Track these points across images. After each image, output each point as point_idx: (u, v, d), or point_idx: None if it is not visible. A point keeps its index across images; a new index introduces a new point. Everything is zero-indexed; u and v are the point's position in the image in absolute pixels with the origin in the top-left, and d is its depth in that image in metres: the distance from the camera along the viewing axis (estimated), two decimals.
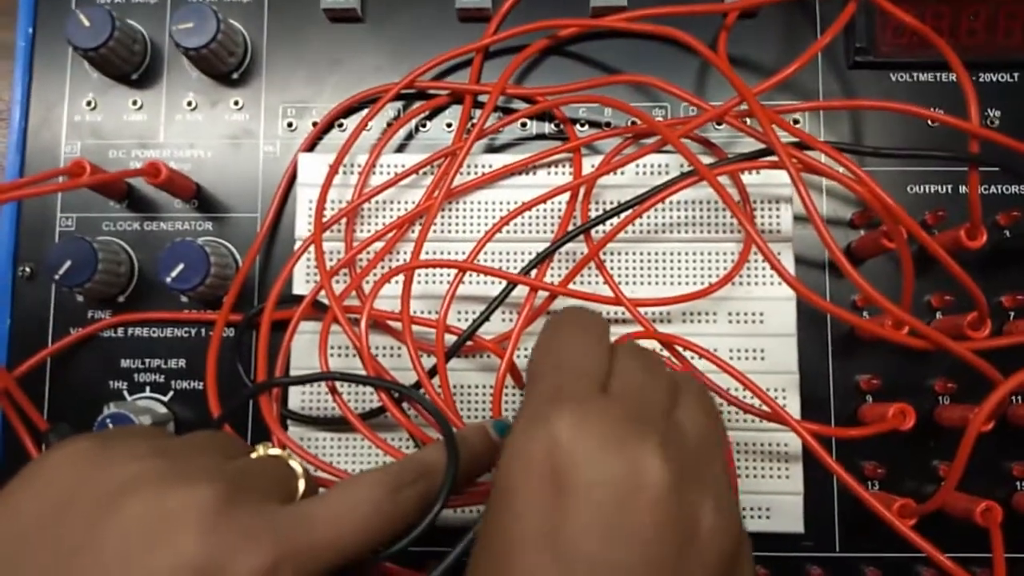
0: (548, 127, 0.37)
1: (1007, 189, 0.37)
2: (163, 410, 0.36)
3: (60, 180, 0.34)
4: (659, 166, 0.35)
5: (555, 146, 0.35)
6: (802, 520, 0.34)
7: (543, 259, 0.33)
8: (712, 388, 0.32)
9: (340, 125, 0.38)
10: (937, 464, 0.35)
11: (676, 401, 0.22)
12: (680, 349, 0.32)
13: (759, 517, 0.34)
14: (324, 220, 0.35)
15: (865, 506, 0.34)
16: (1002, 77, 0.37)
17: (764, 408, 0.31)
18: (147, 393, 0.36)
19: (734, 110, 0.32)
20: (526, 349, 0.34)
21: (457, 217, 0.36)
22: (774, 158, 0.31)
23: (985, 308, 0.32)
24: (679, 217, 0.35)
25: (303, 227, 0.36)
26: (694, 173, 0.31)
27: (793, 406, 0.34)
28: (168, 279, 0.34)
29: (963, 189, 0.36)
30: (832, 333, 0.36)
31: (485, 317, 0.32)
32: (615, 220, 0.33)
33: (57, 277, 0.34)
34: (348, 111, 0.38)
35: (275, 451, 0.24)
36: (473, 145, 0.35)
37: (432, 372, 0.32)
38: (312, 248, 0.35)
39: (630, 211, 0.32)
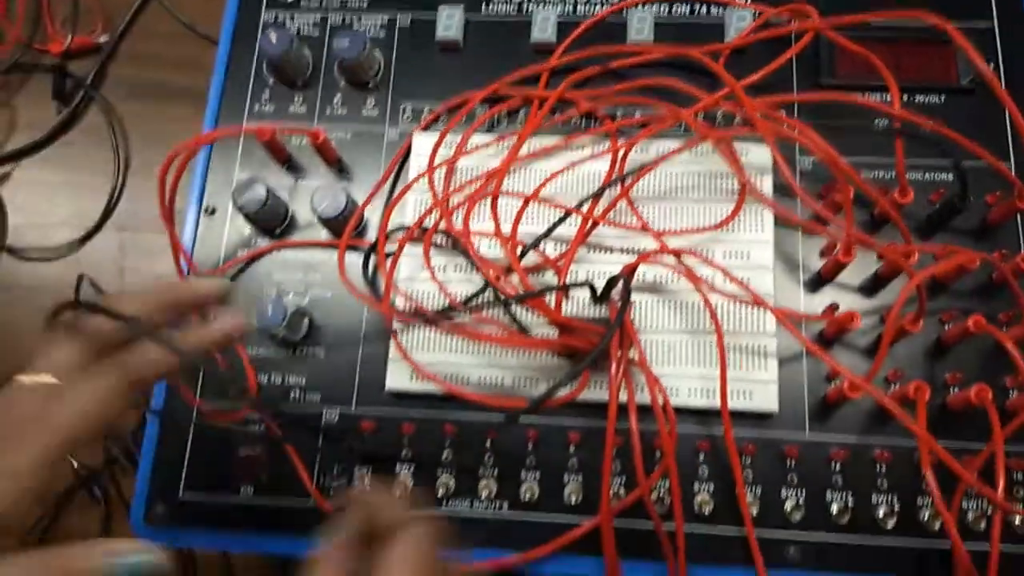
0: (594, 123, 0.51)
1: (937, 176, 0.49)
2: (304, 304, 0.49)
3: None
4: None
5: (599, 133, 0.49)
6: (776, 402, 0.44)
7: (594, 196, 0.46)
8: (711, 288, 0.44)
9: (444, 120, 0.52)
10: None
11: None
12: (684, 258, 0.44)
13: (743, 398, 0.45)
14: (428, 189, 0.49)
15: (828, 399, 0.45)
16: (932, 99, 0.50)
17: (747, 297, 0.43)
18: (291, 296, 0.49)
19: (726, 100, 0.45)
20: (575, 267, 0.47)
21: (526, 180, 0.49)
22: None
23: (909, 238, 0.43)
24: (687, 182, 0.48)
25: (415, 185, 0.50)
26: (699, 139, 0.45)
27: (770, 323, 0.46)
28: (318, 209, 0.47)
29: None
30: (803, 275, 0.48)
31: (546, 234, 0.45)
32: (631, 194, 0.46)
33: (239, 203, 0.48)
34: (450, 110, 0.52)
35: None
36: (535, 129, 0.49)
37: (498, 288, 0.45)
38: (419, 200, 0.49)
39: (652, 163, 0.45)
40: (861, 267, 0.47)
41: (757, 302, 0.42)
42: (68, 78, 0.71)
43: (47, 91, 0.71)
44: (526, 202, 0.46)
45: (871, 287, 0.47)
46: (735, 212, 0.47)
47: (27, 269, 0.68)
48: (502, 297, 0.41)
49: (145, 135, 0.72)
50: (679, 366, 0.45)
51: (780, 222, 0.48)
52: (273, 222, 0.50)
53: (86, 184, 0.70)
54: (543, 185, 0.47)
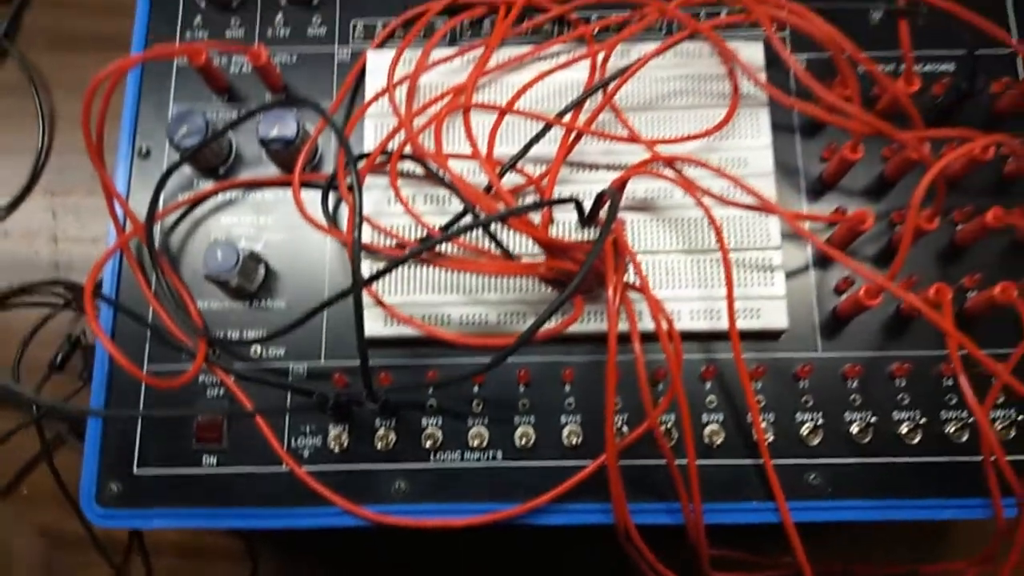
0: (567, 29, 0.46)
1: (938, 67, 0.45)
2: (258, 249, 0.43)
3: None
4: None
5: (573, 38, 0.44)
6: (786, 319, 0.41)
7: (575, 106, 0.41)
8: (711, 196, 0.39)
9: (400, 35, 0.47)
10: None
11: None
12: (679, 165, 0.40)
13: (751, 317, 0.41)
14: (387, 112, 0.43)
15: (839, 313, 0.41)
16: None
17: (754, 203, 0.39)
18: (243, 243, 0.44)
19: None
20: (560, 188, 0.42)
21: (496, 95, 0.44)
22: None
23: (922, 126, 0.39)
24: (674, 87, 0.44)
25: (372, 108, 0.44)
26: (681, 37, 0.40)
27: (775, 234, 0.42)
28: (267, 135, 0.42)
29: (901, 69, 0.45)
30: (804, 181, 0.44)
31: (527, 148, 0.40)
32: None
33: (175, 138, 0.42)
34: (406, 23, 0.47)
35: None
36: (502, 39, 0.44)
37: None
38: (379, 125, 0.43)
39: (638, 62, 0.41)
40: (864, 170, 0.44)
41: (766, 207, 0.38)
42: None
43: None
44: (502, 114, 0.41)
45: (876, 190, 0.44)
46: (730, 114, 0.43)
47: None
48: (483, 217, 0.36)
49: (70, 89, 0.66)
50: (678, 288, 0.41)
51: (777, 126, 0.44)
52: (215, 160, 0.45)
53: (9, 146, 0.64)
54: (519, 95, 0.43)
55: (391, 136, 0.42)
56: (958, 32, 0.40)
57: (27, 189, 0.63)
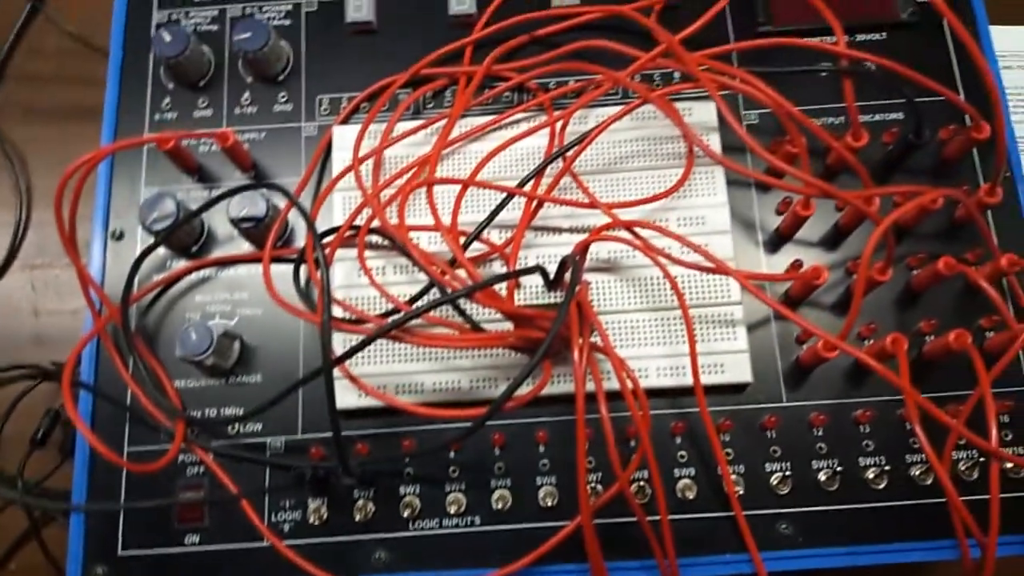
0: (527, 97, 0.48)
1: (887, 116, 0.47)
2: (232, 325, 0.44)
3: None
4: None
5: (533, 106, 0.46)
6: (750, 372, 0.42)
7: (535, 174, 0.42)
8: (669, 258, 0.41)
9: (365, 109, 0.48)
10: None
11: None
12: (638, 229, 0.41)
13: (715, 372, 0.42)
14: (355, 186, 0.44)
15: (801, 363, 0.42)
16: (874, 36, 0.48)
17: (708, 264, 0.40)
18: (217, 320, 0.45)
19: (663, 57, 0.42)
20: (525, 252, 0.43)
21: (460, 165, 0.45)
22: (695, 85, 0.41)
23: (869, 182, 0.41)
24: (631, 150, 0.45)
25: (341, 182, 0.46)
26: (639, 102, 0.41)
27: (735, 289, 0.43)
28: (237, 215, 0.43)
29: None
30: (761, 235, 0.45)
31: (490, 220, 0.42)
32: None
33: (147, 223, 0.43)
34: (370, 97, 0.48)
35: None
36: (464, 109, 0.45)
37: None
38: (347, 198, 0.45)
39: (594, 130, 0.42)
40: (820, 220, 0.45)
41: (719, 268, 0.39)
42: None
43: None
44: (464, 187, 0.42)
45: (832, 240, 0.45)
46: (685, 175, 0.44)
47: None
48: (448, 292, 0.37)
49: (47, 162, 0.67)
50: (644, 346, 0.42)
51: (733, 182, 0.45)
52: (187, 240, 0.46)
53: None
54: (480, 167, 0.44)
55: (358, 211, 0.43)
56: (905, 83, 0.42)
57: (6, 263, 0.64)
